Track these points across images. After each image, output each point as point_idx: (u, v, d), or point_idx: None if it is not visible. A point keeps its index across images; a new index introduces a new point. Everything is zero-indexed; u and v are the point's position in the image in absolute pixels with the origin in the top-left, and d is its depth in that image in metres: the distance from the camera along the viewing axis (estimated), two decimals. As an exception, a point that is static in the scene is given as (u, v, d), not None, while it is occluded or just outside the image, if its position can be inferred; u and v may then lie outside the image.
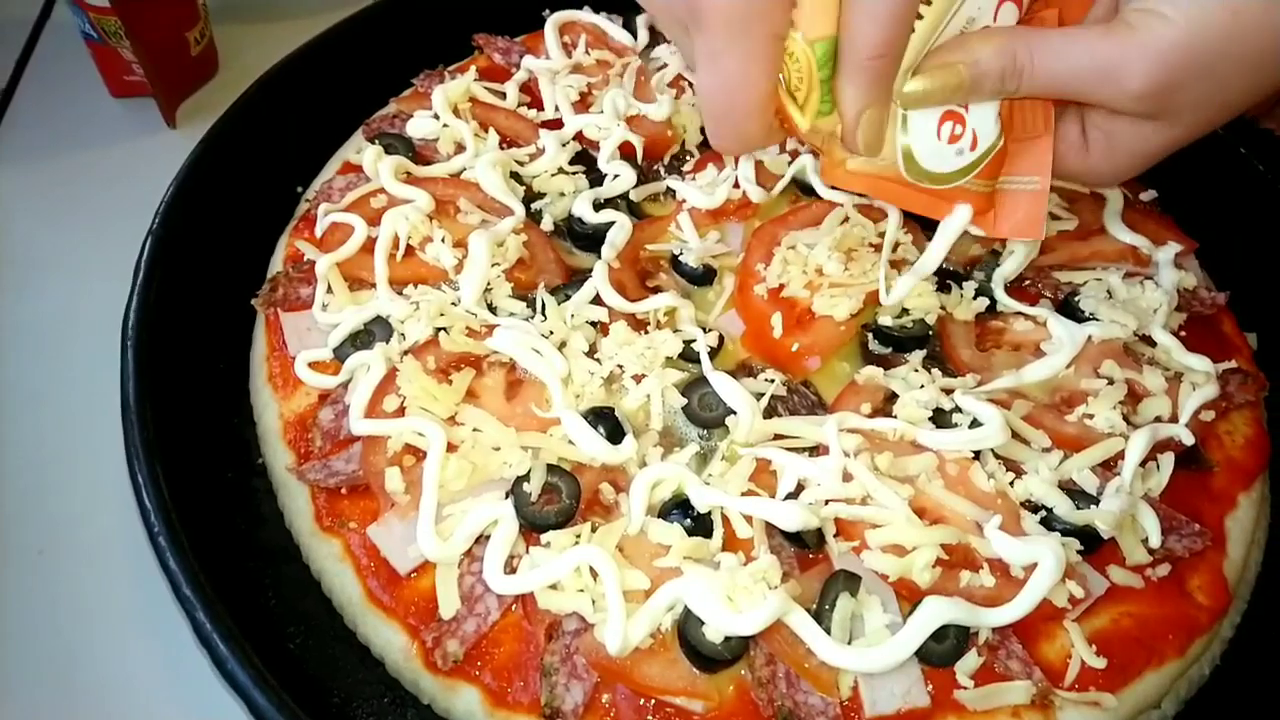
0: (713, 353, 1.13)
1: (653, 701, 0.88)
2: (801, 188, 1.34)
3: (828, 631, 0.88)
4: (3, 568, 1.08)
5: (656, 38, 1.54)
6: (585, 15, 1.53)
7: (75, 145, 1.56)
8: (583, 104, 1.41)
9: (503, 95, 1.41)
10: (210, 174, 1.25)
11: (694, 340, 1.12)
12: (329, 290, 1.14)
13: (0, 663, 1.03)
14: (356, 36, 1.47)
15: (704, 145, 1.42)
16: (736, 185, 1.29)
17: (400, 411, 1.01)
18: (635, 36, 1.52)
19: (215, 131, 1.28)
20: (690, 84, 1.45)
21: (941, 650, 0.90)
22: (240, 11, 1.79)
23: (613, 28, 1.52)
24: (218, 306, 1.20)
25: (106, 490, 1.14)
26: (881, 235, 1.21)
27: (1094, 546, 0.99)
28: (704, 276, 1.24)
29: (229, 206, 1.27)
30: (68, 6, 1.49)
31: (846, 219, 1.22)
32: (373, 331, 1.10)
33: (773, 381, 1.11)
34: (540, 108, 1.40)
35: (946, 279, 1.23)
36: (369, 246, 1.17)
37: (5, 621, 1.06)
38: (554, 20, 1.50)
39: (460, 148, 1.32)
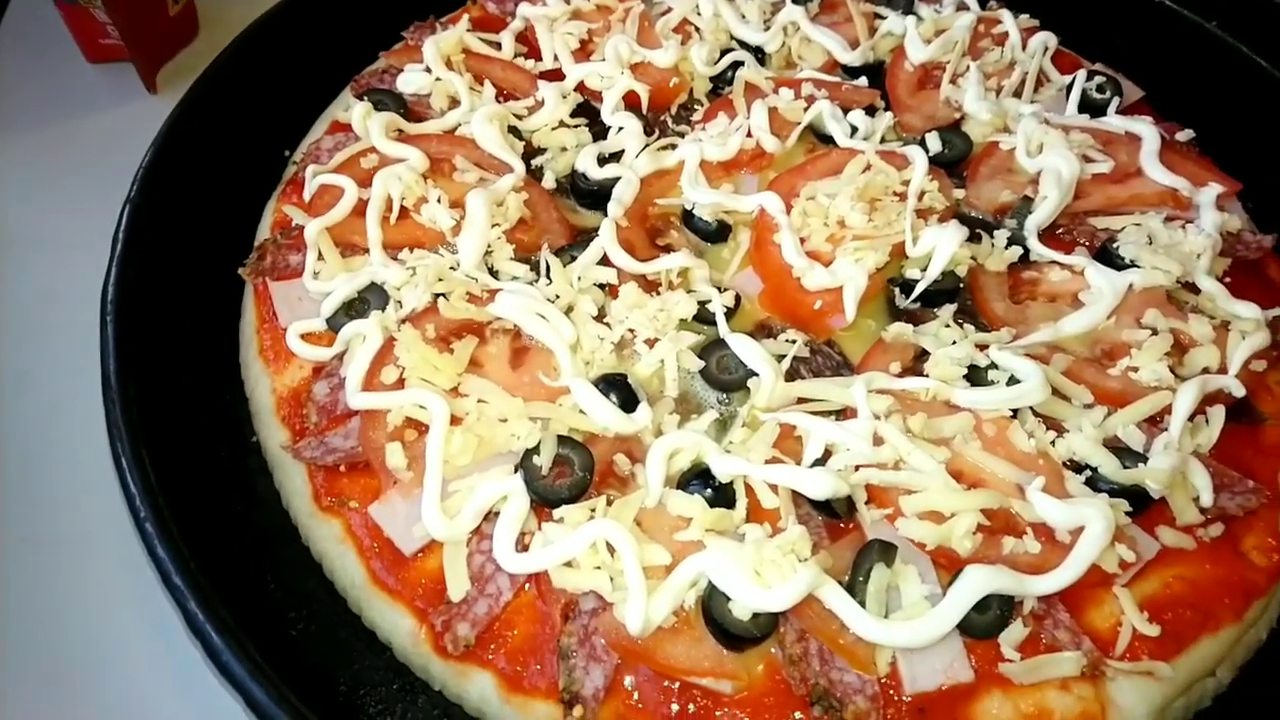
0: (729, 313, 1.07)
1: (678, 684, 0.83)
2: (818, 135, 1.27)
3: (862, 605, 0.83)
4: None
5: (659, -20, 1.46)
6: (583, -43, 1.45)
7: (53, 115, 1.49)
8: (583, 52, 1.33)
9: (498, 46, 1.34)
10: (191, 138, 1.18)
11: (709, 301, 1.06)
12: (319, 257, 1.08)
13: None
14: (341, -10, 1.39)
15: (713, 93, 1.34)
16: (750, 135, 1.22)
17: (400, 383, 0.96)
18: (637, -21, 1.43)
19: (194, 94, 1.21)
20: (697, 29, 1.37)
21: (984, 622, 0.85)
22: (220, -31, 1.70)
23: (613, -30, 1.44)
24: (203, 277, 1.13)
25: (95, 474, 1.09)
26: (906, 183, 1.14)
27: (1143, 507, 0.93)
28: (718, 233, 1.18)
29: (212, 172, 1.20)
30: (39, -33, 1.41)
31: (869, 166, 1.15)
32: (367, 299, 1.04)
33: (794, 342, 1.05)
34: (538, 58, 1.33)
35: (977, 228, 1.16)
36: (360, 209, 1.10)
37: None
38: (550, -36, 1.41)
39: (454, 102, 1.25)
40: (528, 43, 1.35)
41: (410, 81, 1.27)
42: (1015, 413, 0.97)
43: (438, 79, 1.26)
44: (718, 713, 0.83)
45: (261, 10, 1.35)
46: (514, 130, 1.23)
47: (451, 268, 1.06)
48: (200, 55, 1.58)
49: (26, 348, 1.22)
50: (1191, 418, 0.98)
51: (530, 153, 1.23)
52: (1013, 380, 0.97)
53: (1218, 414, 1.00)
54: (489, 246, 1.08)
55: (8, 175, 1.41)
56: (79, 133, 1.47)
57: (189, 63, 1.57)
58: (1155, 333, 1.04)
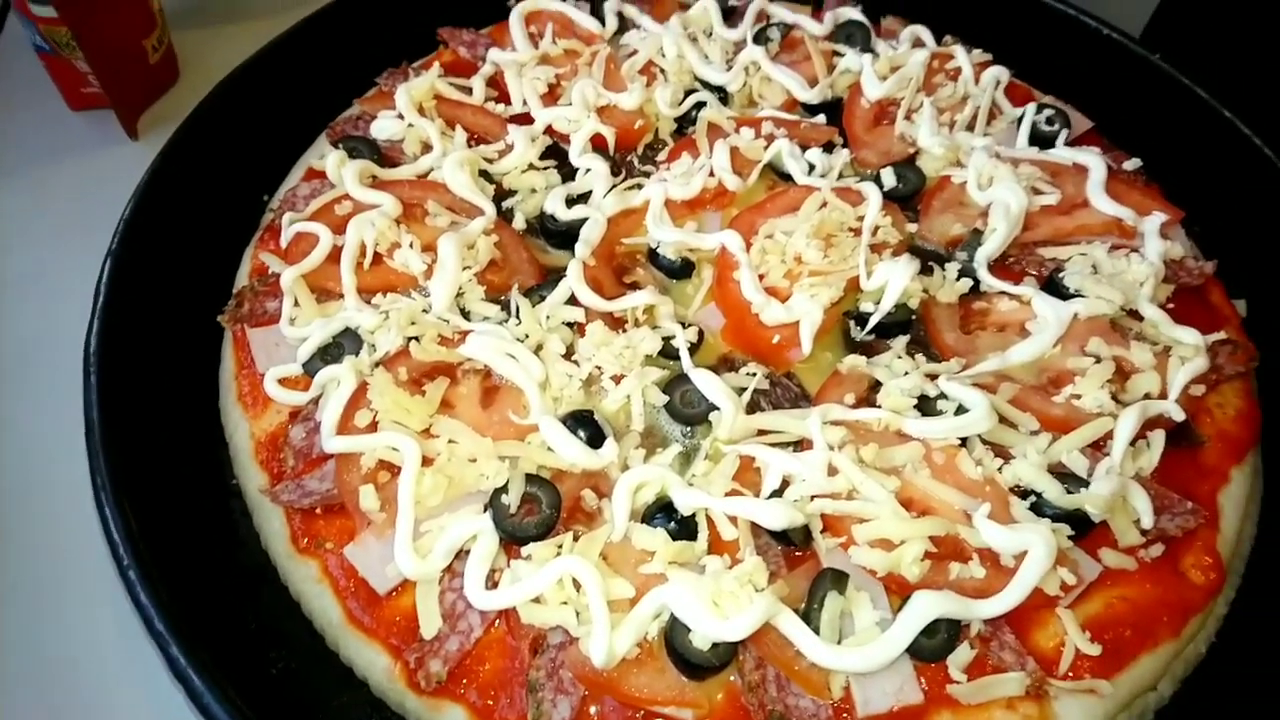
0: (693, 348, 1.11)
1: (642, 713, 0.87)
2: (778, 173, 1.31)
3: (817, 632, 0.87)
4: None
5: (625, 23, 1.51)
6: (552, 3, 1.50)
7: (35, 162, 1.52)
8: (551, 96, 1.37)
9: (469, 91, 1.38)
10: (170, 188, 1.22)
11: (673, 336, 1.10)
12: (296, 303, 1.11)
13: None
14: (317, 36, 1.44)
15: (678, 132, 1.39)
16: (712, 174, 1.27)
17: (373, 426, 0.99)
18: (603, 23, 1.48)
19: (173, 143, 1.25)
20: (662, 70, 1.42)
21: (933, 645, 0.89)
22: (200, 15, 1.75)
23: (580, 15, 1.49)
24: (183, 325, 1.17)
25: (78, 519, 1.12)
26: (861, 219, 1.19)
27: (1085, 530, 0.98)
28: (682, 269, 1.22)
29: (191, 220, 1.24)
30: (17, 19, 1.45)
31: (825, 204, 1.20)
32: (342, 344, 1.08)
33: (755, 375, 1.09)
34: (508, 102, 1.37)
35: (929, 260, 1.21)
36: (335, 256, 1.14)
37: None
38: (519, 10, 1.46)
39: (427, 147, 1.29)
40: (498, 87, 1.39)
41: (384, 128, 1.31)
42: (964, 441, 1.01)
43: (410, 125, 1.30)
44: (680, 740, 0.87)
45: (239, 56, 1.39)
46: (485, 174, 1.28)
47: (424, 310, 1.10)
48: (180, 100, 1.62)
49: (10, 392, 1.25)
50: (1133, 442, 1.03)
51: (501, 195, 1.27)
52: (961, 409, 1.01)
53: (1158, 438, 1.05)
54: (460, 288, 1.12)
55: (-6, 222, 1.45)
56: (62, 179, 1.51)
57: (169, 108, 1.61)
58: (1099, 360, 1.08)
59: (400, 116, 1.31)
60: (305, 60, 1.43)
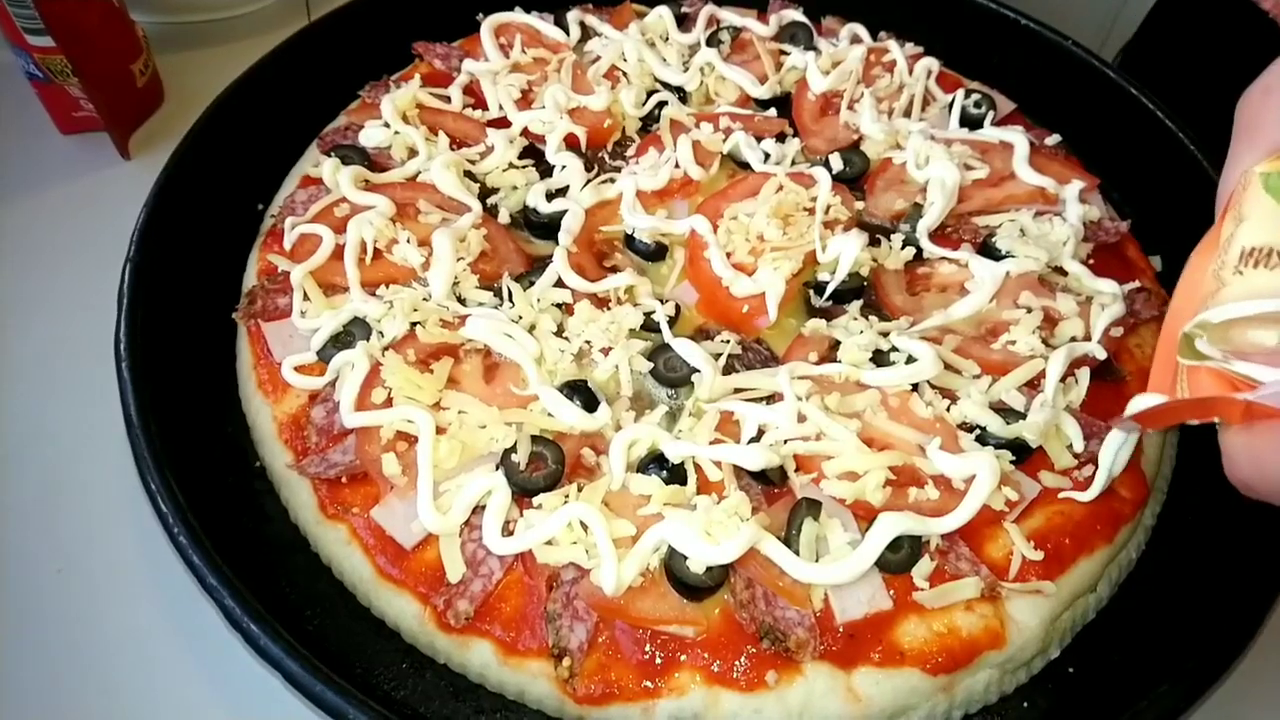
0: (672, 321, 1.22)
1: (649, 632, 0.98)
2: (737, 162, 1.44)
3: (796, 553, 0.99)
4: (26, 587, 1.14)
5: (588, 32, 1.63)
6: (518, 16, 1.61)
7: (32, 185, 1.59)
8: (525, 101, 1.48)
9: (448, 99, 1.48)
10: (177, 198, 1.30)
11: (653, 311, 1.21)
12: (305, 298, 1.21)
13: (30, 679, 1.09)
14: (300, 55, 1.52)
15: (643, 130, 1.51)
16: (678, 166, 1.39)
17: (388, 402, 1.09)
18: (568, 32, 1.60)
19: (178, 157, 1.33)
20: (625, 74, 1.54)
21: (898, 559, 1.01)
22: (178, 40, 1.83)
23: (545, 26, 1.60)
24: (198, 324, 1.25)
25: (115, 506, 1.20)
26: (814, 200, 1.32)
27: (1025, 456, 1.11)
28: (657, 252, 1.34)
29: (197, 228, 1.32)
30: (8, 49, 1.52)
31: (781, 187, 1.32)
32: (352, 332, 1.17)
33: (729, 342, 1.21)
34: (485, 108, 1.48)
35: (876, 233, 1.34)
36: (338, 253, 1.23)
37: (31, 636, 1.11)
38: (489, 23, 1.57)
39: (413, 152, 1.39)
40: (474, 94, 1.50)
41: (372, 136, 1.41)
42: (915, 386, 1.14)
43: (396, 132, 1.40)
44: (683, 655, 0.97)
45: (219, 77, 1.46)
46: (469, 174, 1.38)
47: (424, 299, 1.20)
48: (167, 121, 1.71)
49: (40, 398, 1.32)
50: (1063, 380, 1.15)
51: (485, 192, 1.37)
52: (911, 360, 1.14)
53: (1084, 375, 1.18)
54: (456, 278, 1.22)
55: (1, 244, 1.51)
56: (60, 199, 1.57)
57: (157, 128, 1.69)
58: (1030, 311, 1.21)
59: (387, 125, 1.41)
60: (290, 78, 1.51)
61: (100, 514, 1.21)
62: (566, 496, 1.03)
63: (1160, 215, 1.51)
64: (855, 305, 1.26)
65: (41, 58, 1.48)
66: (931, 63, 1.59)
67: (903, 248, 1.32)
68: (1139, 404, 0.86)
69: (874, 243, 1.32)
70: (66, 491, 1.23)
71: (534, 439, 1.06)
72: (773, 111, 1.52)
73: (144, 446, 1.03)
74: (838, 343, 1.19)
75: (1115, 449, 1.06)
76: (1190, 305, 0.81)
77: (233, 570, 0.99)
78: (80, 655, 1.10)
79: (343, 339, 1.17)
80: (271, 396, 1.16)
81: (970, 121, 1.53)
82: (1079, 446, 1.13)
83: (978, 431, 1.11)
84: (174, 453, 1.07)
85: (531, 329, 1.18)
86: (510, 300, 1.21)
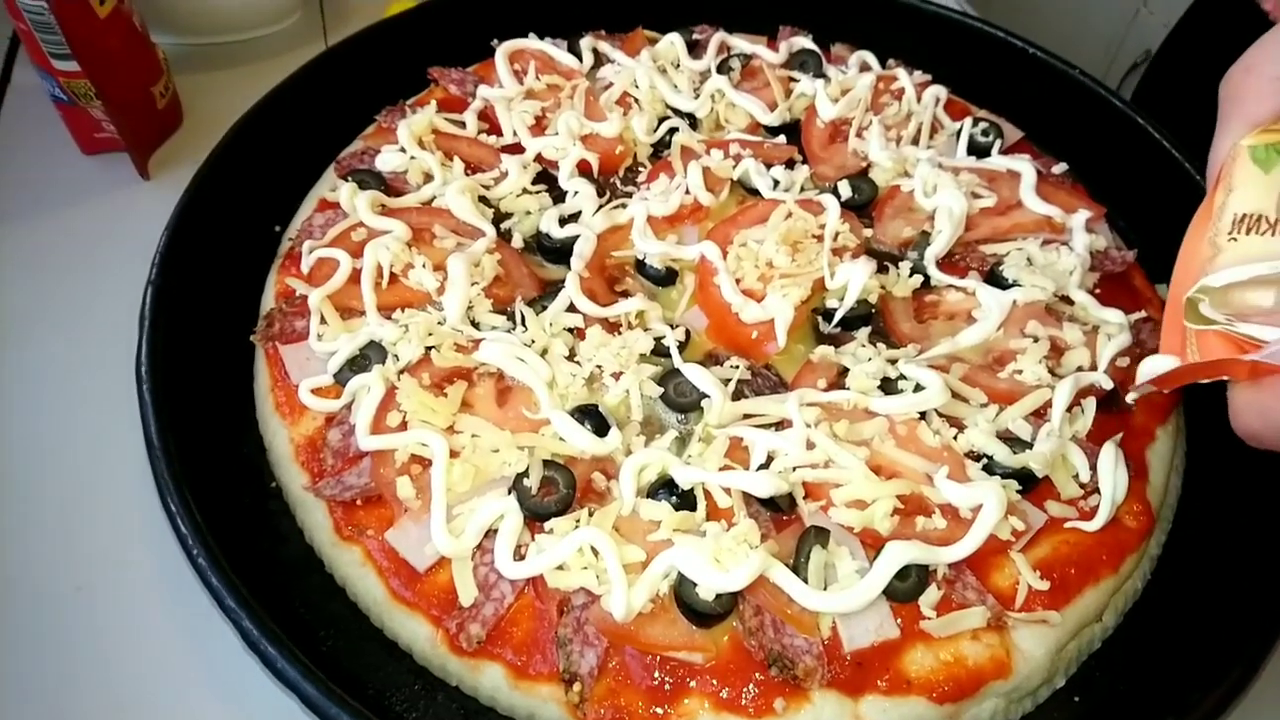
0: (681, 346, 1.24)
1: (658, 658, 0.99)
2: (746, 189, 1.46)
3: (805, 581, 1.00)
4: (46, 604, 1.16)
5: (600, 59, 1.65)
6: (531, 42, 1.64)
7: (55, 204, 1.62)
8: (539, 127, 1.51)
9: (463, 124, 1.51)
10: (197, 221, 1.32)
11: (664, 336, 1.23)
12: (322, 321, 1.23)
13: (49, 696, 1.10)
14: (318, 79, 1.55)
15: (654, 156, 1.53)
16: (688, 192, 1.41)
17: (403, 426, 1.11)
18: (580, 59, 1.63)
19: (198, 180, 1.35)
20: (636, 100, 1.56)
21: (905, 588, 1.02)
22: (196, 62, 1.86)
23: (558, 52, 1.63)
24: (216, 345, 1.27)
25: (133, 524, 1.22)
26: (822, 227, 1.33)
27: (1031, 485, 1.12)
28: (667, 277, 1.35)
29: (216, 250, 1.34)
30: (33, 71, 1.55)
31: (790, 214, 1.34)
32: (368, 355, 1.19)
33: (737, 367, 1.22)
34: (499, 133, 1.50)
35: (884, 261, 1.36)
36: (355, 277, 1.26)
37: (50, 653, 1.13)
38: (503, 49, 1.60)
39: (429, 177, 1.41)
40: (489, 120, 1.52)
41: (388, 161, 1.43)
42: (923, 414, 1.15)
43: (412, 157, 1.42)
44: (692, 681, 0.98)
45: (236, 99, 1.48)
46: (483, 199, 1.40)
47: (439, 323, 1.22)
48: (186, 142, 1.74)
49: (59, 417, 1.34)
50: (1069, 409, 1.17)
51: (499, 217, 1.40)
52: (919, 387, 1.16)
53: (1090, 404, 1.19)
54: (470, 302, 1.24)
55: (23, 262, 1.53)
56: (83, 218, 1.59)
57: (176, 149, 1.72)
58: (1036, 340, 1.23)
59: (403, 150, 1.43)
60: (307, 102, 1.54)
61: (118, 532, 1.23)
62: (577, 521, 1.04)
63: (1166, 244, 1.47)
64: (863, 332, 1.27)
65: (66, 81, 1.51)
66: (940, 90, 1.61)
67: (910, 275, 1.33)
68: (1153, 367, 0.90)
69: (882, 270, 1.33)
70: (86, 509, 1.25)
71: (545, 463, 1.08)
72: (782, 138, 1.55)
73: (164, 468, 1.05)
74: (846, 369, 1.21)
75: (1112, 467, 1.08)
76: (1190, 272, 0.87)
77: (249, 591, 1.00)
78: (98, 672, 1.12)
79: (359, 362, 1.19)
80: (289, 418, 1.18)
81: (978, 149, 1.54)
82: (1085, 476, 1.14)
83: (984, 460, 1.12)
84: (192, 473, 1.08)
85: (544, 353, 1.20)
86: (523, 324, 1.23)
